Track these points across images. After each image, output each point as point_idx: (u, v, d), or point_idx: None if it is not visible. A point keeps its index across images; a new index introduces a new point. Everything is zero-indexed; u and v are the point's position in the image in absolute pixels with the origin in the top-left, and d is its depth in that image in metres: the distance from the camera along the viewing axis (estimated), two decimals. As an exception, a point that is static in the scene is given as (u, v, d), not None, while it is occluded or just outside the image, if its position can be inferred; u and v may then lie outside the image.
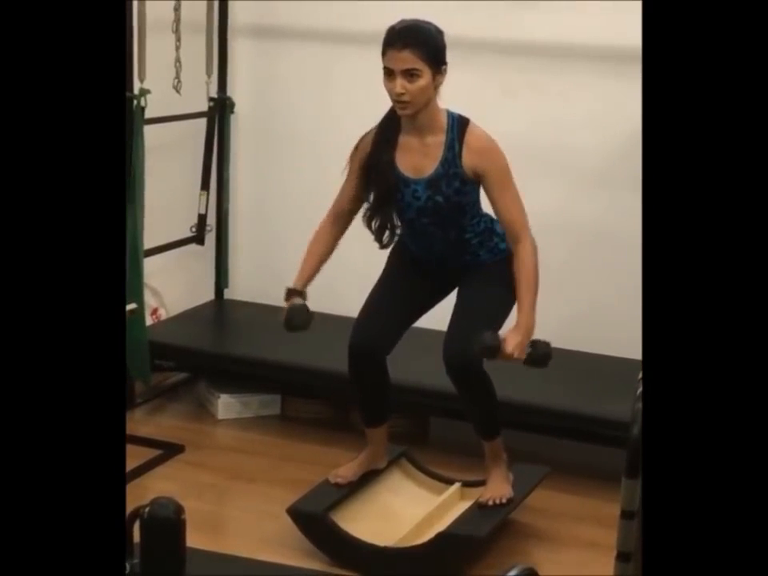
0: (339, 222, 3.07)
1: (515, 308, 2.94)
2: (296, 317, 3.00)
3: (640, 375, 1.99)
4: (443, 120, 2.91)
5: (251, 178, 4.54)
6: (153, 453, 3.62)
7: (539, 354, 2.87)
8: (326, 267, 4.42)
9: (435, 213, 2.94)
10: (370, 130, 3.00)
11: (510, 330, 2.87)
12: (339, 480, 3.17)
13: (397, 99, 2.84)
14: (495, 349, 2.80)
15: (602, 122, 3.96)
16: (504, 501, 3.07)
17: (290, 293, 3.05)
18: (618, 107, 3.90)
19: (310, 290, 4.10)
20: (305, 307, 3.01)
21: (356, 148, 3.02)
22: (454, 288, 3.11)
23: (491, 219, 3.03)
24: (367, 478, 3.21)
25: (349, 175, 3.03)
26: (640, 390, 1.93)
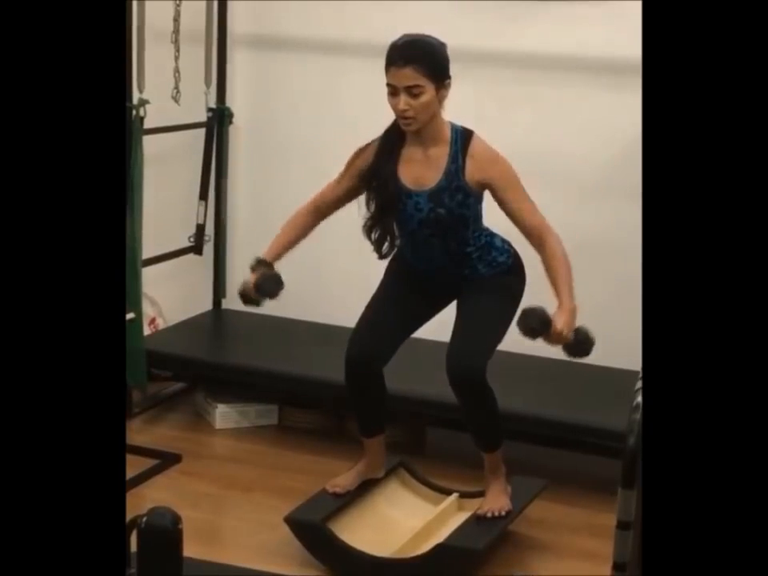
0: (316, 215, 3.09)
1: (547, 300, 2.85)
2: (266, 283, 2.98)
3: (636, 386, 2.00)
4: (447, 133, 2.92)
5: (249, 188, 4.55)
6: (150, 462, 3.62)
7: (582, 340, 2.82)
8: (322, 277, 4.46)
9: (437, 225, 2.95)
10: (373, 141, 3.01)
11: (555, 311, 2.81)
12: (337, 489, 3.17)
13: (401, 116, 2.85)
14: (546, 324, 2.75)
15: (600, 134, 3.97)
16: (503, 513, 3.07)
17: (260, 262, 3.04)
18: (615, 119, 3.91)
19: (312, 299, 4.10)
20: (277, 276, 3.00)
21: (356, 155, 3.02)
22: (452, 300, 3.11)
23: (491, 233, 3.04)
24: (365, 488, 3.22)
25: (342, 175, 3.03)
26: (636, 400, 1.94)
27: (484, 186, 2.92)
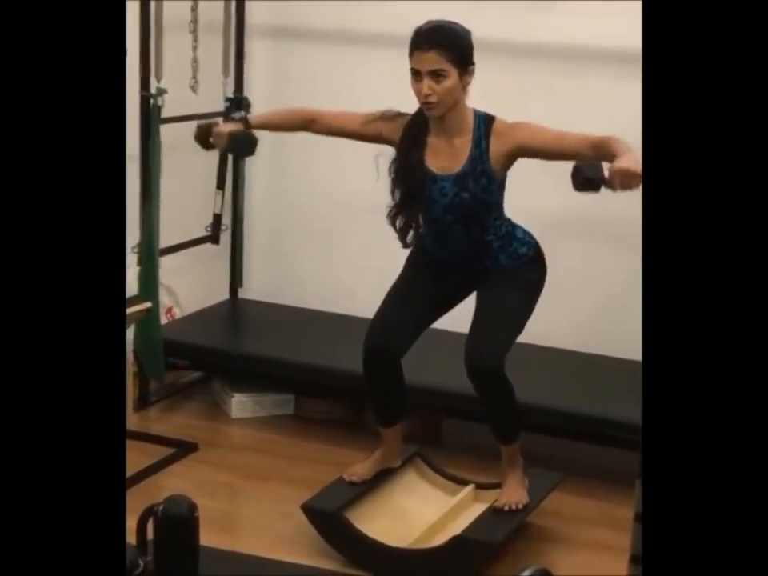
0: (308, 125, 3.11)
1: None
2: (244, 139, 3.03)
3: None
4: (470, 120, 2.91)
5: (266, 177, 4.55)
6: (167, 451, 3.63)
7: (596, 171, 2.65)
8: (342, 267, 4.46)
9: (461, 210, 2.93)
10: (406, 115, 2.97)
11: (615, 160, 2.64)
12: (354, 478, 3.17)
13: (424, 100, 2.84)
14: (598, 180, 2.59)
15: (615, 124, 3.94)
16: (520, 507, 3.07)
17: (243, 120, 3.11)
18: (630, 109, 3.88)
19: (328, 290, 4.09)
20: (256, 140, 3.06)
21: (385, 116, 2.99)
22: (472, 292, 3.10)
23: (512, 224, 3.03)
24: (381, 477, 3.22)
25: (359, 118, 3.02)
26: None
27: (515, 154, 2.89)
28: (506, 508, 3.05)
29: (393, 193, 2.98)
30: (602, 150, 2.74)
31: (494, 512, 3.05)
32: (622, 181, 2.60)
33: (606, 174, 2.62)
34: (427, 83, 2.81)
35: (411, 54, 2.84)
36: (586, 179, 2.61)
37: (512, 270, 3.01)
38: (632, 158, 2.61)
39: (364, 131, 3.02)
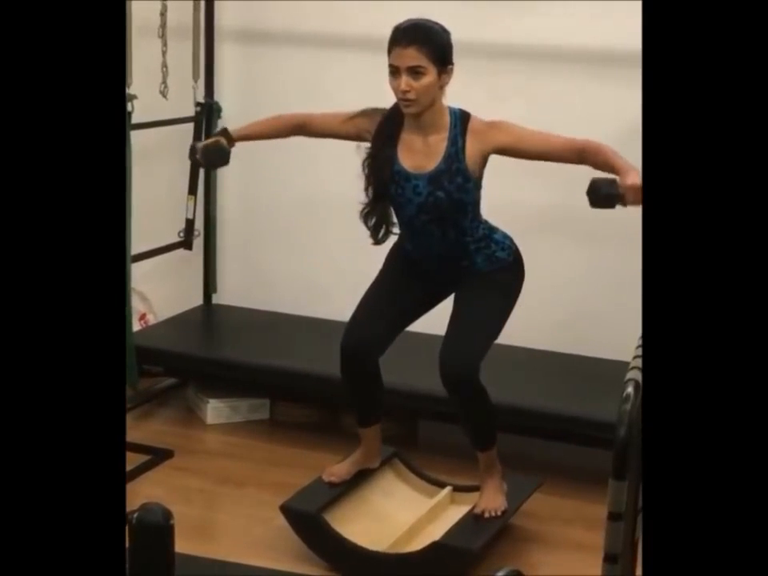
0: (297, 129, 3.12)
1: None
2: (214, 152, 3.08)
3: (626, 376, 2.00)
4: (447, 119, 2.90)
5: (239, 182, 4.54)
6: (142, 458, 3.61)
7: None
8: (316, 270, 4.45)
9: (435, 209, 2.91)
10: (380, 108, 2.97)
11: (621, 175, 2.68)
12: (333, 479, 3.17)
13: (402, 97, 2.83)
14: (615, 195, 2.64)
15: (590, 125, 3.95)
16: (498, 513, 3.06)
17: (224, 132, 3.14)
18: (605, 109, 3.90)
19: (303, 294, 4.07)
20: (227, 151, 3.08)
21: (365, 112, 2.98)
22: (450, 294, 3.09)
23: (491, 227, 3.02)
24: (360, 478, 3.21)
25: (343, 117, 3.00)
26: (626, 391, 1.94)
27: (490, 153, 2.89)
28: (486, 515, 3.05)
29: (366, 190, 2.97)
30: (590, 158, 2.80)
31: (473, 518, 3.04)
32: (635, 197, 2.63)
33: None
34: (405, 80, 2.80)
35: (390, 51, 2.83)
36: (606, 195, 2.66)
37: (490, 274, 3.00)
38: (635, 171, 2.66)
39: (347, 130, 3.01)
